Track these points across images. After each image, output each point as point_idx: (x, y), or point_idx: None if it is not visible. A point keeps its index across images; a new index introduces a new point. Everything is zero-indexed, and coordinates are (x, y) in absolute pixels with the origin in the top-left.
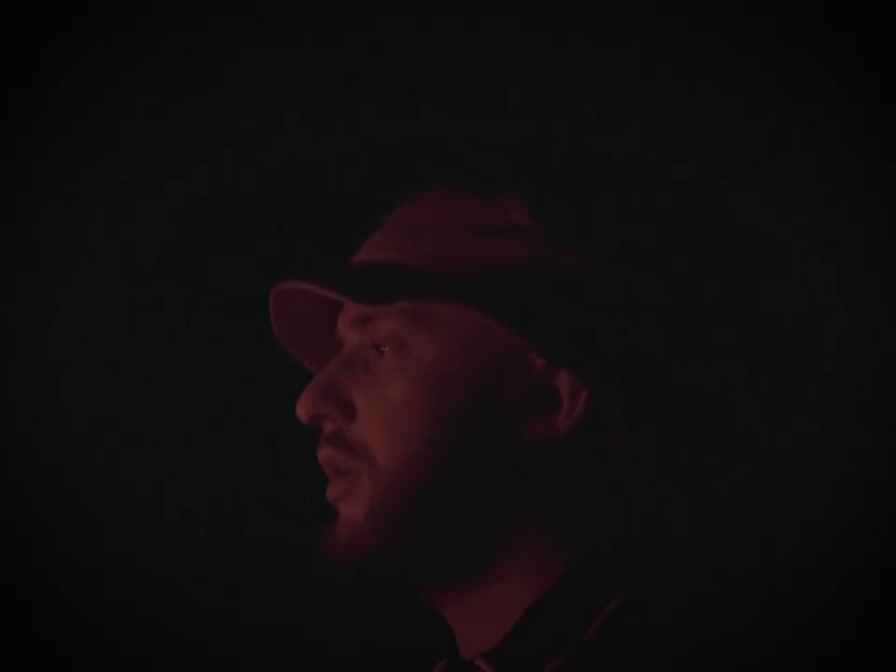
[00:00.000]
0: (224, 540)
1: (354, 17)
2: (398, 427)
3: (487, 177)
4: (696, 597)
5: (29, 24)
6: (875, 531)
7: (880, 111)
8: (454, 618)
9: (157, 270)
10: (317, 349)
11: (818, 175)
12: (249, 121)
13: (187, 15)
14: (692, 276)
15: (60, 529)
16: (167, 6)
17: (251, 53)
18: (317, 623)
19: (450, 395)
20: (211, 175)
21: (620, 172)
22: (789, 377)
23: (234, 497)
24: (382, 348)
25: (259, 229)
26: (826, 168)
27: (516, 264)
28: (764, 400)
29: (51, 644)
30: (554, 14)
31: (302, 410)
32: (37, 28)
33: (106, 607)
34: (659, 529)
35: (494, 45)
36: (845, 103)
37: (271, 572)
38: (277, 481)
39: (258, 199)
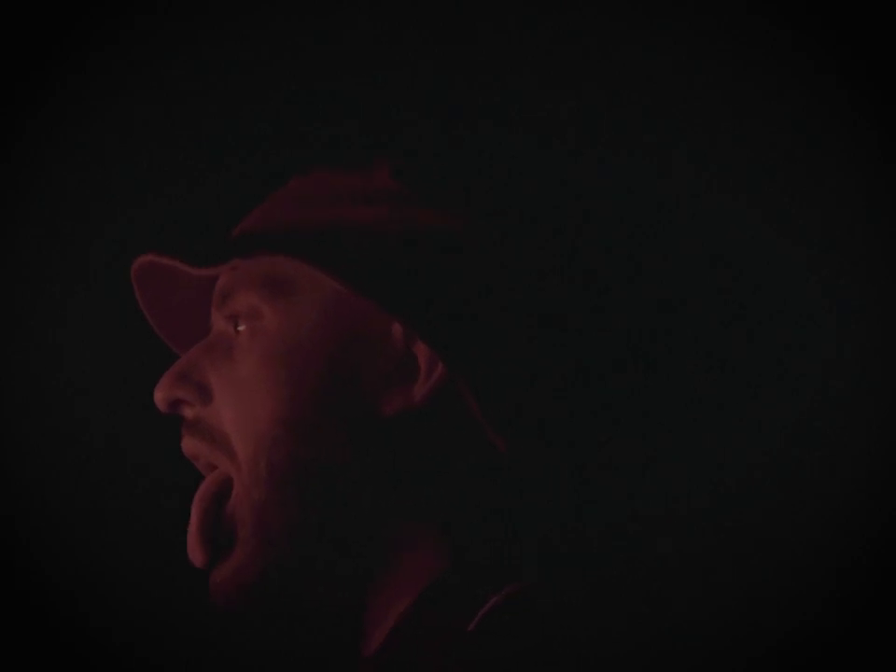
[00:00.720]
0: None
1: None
2: (247, 406)
3: (361, 148)
4: (579, 591)
5: (29, 24)
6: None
7: (880, 111)
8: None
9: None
10: (184, 327)
11: (803, 175)
12: (251, 123)
13: (187, 14)
14: (589, 249)
15: (60, 529)
16: (168, 6)
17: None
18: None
19: (301, 367)
20: (212, 175)
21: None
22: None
23: None
24: (239, 325)
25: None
26: (813, 169)
27: (373, 229)
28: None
29: (51, 644)
30: None
31: (158, 394)
32: (38, 28)
33: (107, 606)
34: (542, 515)
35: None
36: (842, 102)
37: None
38: None
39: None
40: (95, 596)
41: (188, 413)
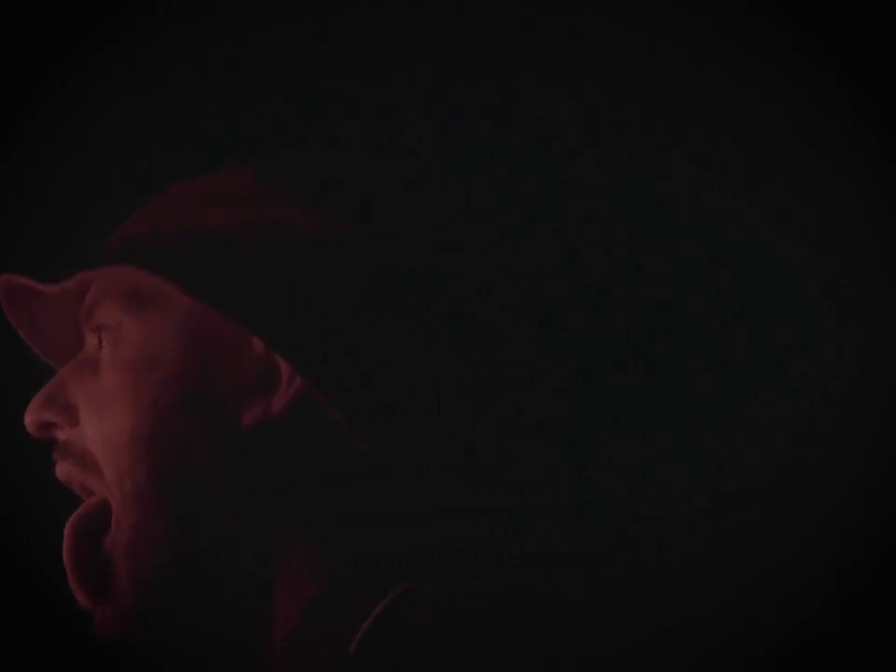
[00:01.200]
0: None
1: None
2: (108, 423)
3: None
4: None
5: (29, 24)
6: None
7: (880, 111)
8: None
9: None
10: (59, 348)
11: (803, 175)
12: (251, 123)
13: (187, 14)
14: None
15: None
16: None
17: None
18: None
19: (159, 380)
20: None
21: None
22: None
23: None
24: (103, 339)
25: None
26: (813, 169)
27: (226, 235)
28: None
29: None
30: None
31: (27, 418)
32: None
33: None
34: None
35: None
36: (841, 102)
37: None
38: None
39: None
40: None
41: (59, 435)
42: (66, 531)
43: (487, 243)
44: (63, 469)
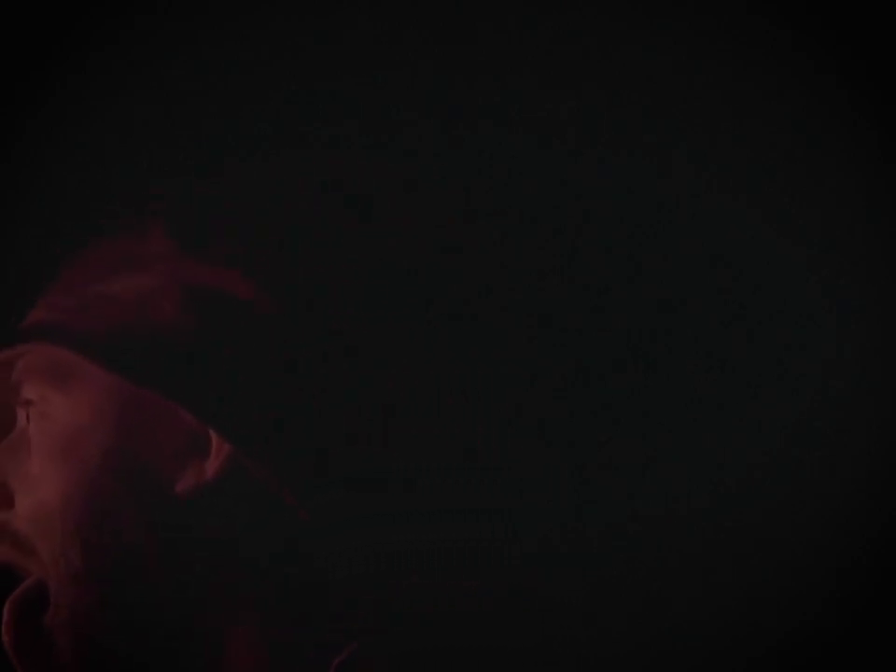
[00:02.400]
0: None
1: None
2: (39, 502)
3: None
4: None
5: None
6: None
7: (880, 111)
8: None
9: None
10: None
11: (803, 175)
12: (251, 123)
13: (187, 14)
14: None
15: None
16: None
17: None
18: None
19: (86, 454)
20: (212, 175)
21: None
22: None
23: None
24: (29, 417)
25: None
26: (813, 169)
27: (143, 302)
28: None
29: None
30: None
31: None
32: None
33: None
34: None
35: None
36: (842, 102)
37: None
38: None
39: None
40: None
41: None
42: (6, 610)
43: (487, 243)
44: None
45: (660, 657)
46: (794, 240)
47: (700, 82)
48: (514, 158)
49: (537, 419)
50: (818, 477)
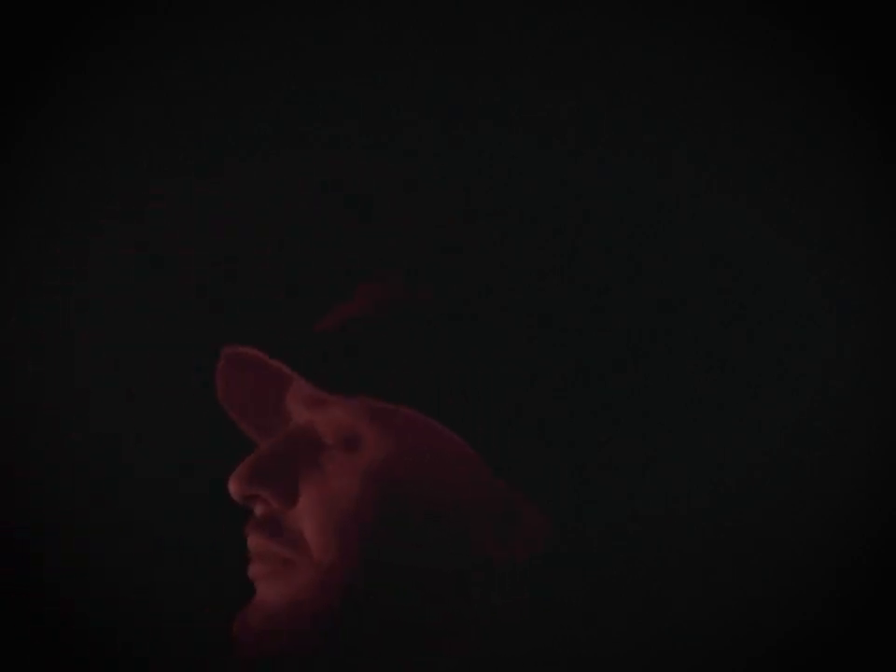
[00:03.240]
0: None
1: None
2: (339, 523)
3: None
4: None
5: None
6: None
7: (880, 111)
8: None
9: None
10: (257, 413)
11: (803, 175)
12: (251, 123)
13: (187, 14)
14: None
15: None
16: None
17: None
18: None
19: (399, 497)
20: (212, 175)
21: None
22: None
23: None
24: (332, 437)
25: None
26: (813, 169)
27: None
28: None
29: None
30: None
31: (235, 487)
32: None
33: (107, 608)
34: None
35: None
36: (841, 102)
37: None
38: None
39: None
40: (95, 598)
41: (260, 509)
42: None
43: (487, 243)
44: (257, 542)
45: (660, 657)
46: (794, 240)
47: (700, 82)
48: (514, 158)
49: (537, 419)
50: (818, 477)
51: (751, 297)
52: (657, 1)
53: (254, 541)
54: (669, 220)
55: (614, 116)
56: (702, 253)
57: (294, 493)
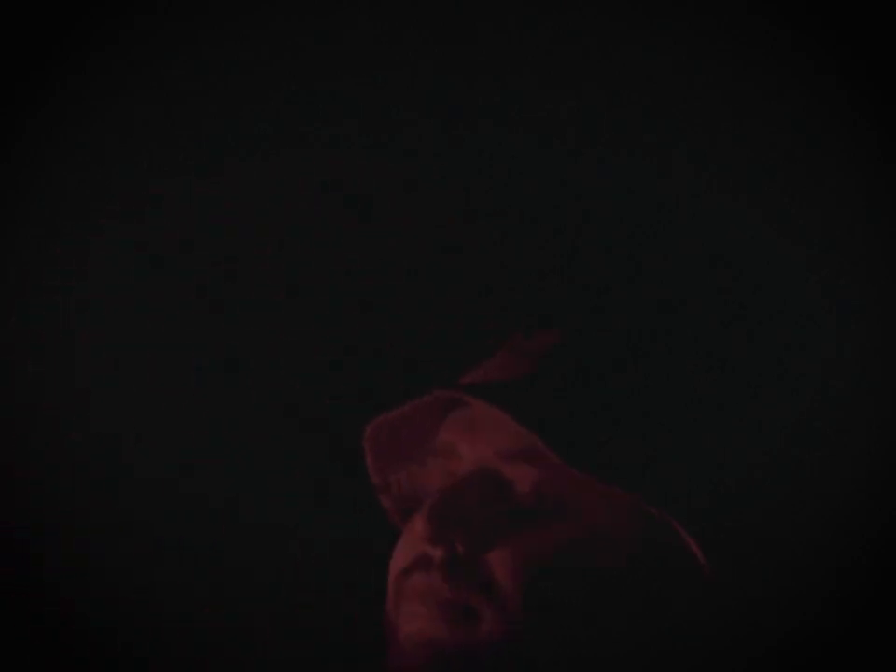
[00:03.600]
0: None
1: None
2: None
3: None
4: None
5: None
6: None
7: (880, 111)
8: None
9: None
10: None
11: (803, 176)
12: (251, 123)
13: (187, 14)
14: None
15: (63, 530)
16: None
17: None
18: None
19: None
20: (212, 175)
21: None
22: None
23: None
24: (532, 494)
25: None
26: (813, 169)
27: None
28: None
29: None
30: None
31: (425, 529)
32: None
33: (107, 609)
34: None
35: None
36: (842, 102)
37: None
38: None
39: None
40: (95, 599)
41: (441, 551)
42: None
43: (487, 243)
44: (456, 590)
45: (660, 657)
46: (794, 240)
47: (700, 82)
48: (514, 158)
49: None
50: (818, 477)
51: (751, 297)
52: (657, 1)
53: (445, 590)
54: (669, 220)
55: (614, 116)
56: (702, 253)
57: (489, 535)
